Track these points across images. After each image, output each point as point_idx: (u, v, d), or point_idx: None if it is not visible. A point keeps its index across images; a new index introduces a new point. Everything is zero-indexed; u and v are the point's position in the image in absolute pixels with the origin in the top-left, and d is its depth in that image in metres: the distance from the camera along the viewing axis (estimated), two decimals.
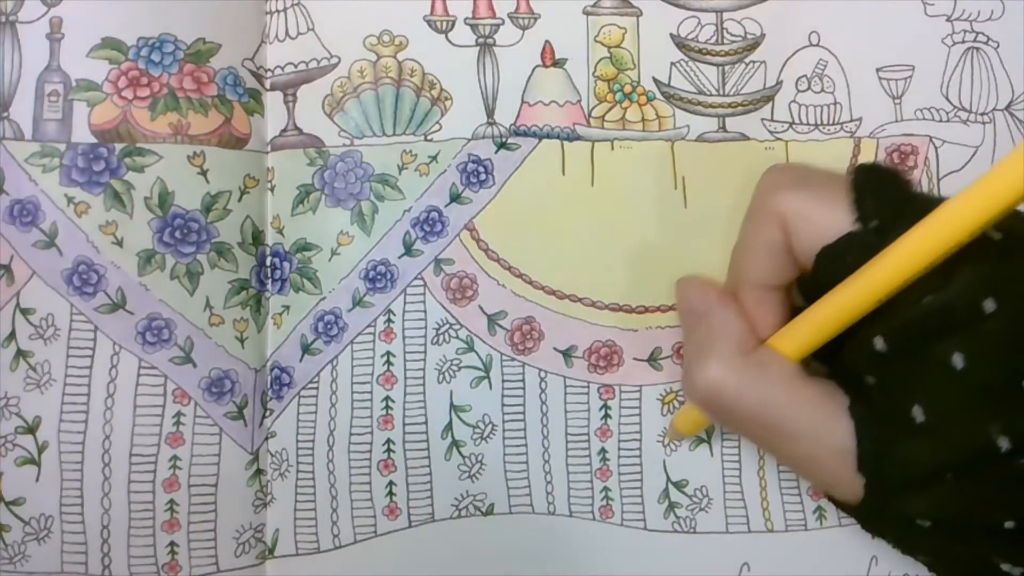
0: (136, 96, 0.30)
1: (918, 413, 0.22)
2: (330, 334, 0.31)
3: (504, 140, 0.32)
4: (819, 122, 0.33)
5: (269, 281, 0.31)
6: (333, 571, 0.30)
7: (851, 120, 0.33)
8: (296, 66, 0.32)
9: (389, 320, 0.31)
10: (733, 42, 0.33)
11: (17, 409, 0.29)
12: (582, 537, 0.31)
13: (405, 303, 0.31)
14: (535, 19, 0.33)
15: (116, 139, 0.30)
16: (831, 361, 0.25)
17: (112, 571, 0.29)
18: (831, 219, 0.23)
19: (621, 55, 0.33)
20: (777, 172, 0.26)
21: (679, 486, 0.31)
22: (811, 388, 0.24)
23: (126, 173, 0.30)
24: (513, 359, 0.32)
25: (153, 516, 0.29)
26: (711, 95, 0.33)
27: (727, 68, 0.33)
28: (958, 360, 0.21)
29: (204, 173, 0.31)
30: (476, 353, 0.31)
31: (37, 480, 0.29)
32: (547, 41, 0.33)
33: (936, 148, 0.33)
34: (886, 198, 0.23)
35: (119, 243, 0.30)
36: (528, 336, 0.32)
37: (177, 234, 0.30)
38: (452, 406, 0.31)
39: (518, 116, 0.32)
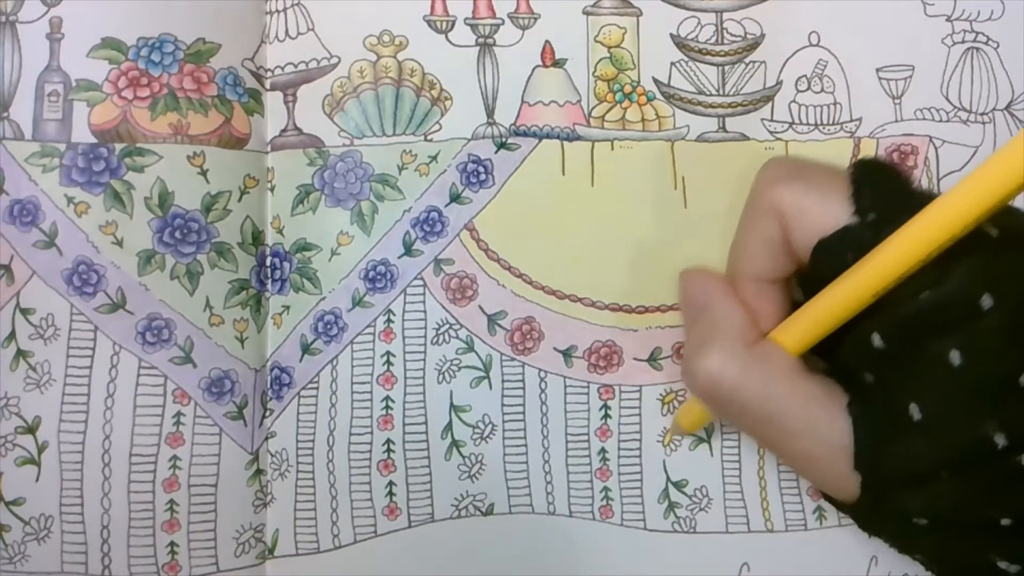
0: (136, 96, 0.30)
1: (915, 410, 0.22)
2: (330, 334, 0.31)
3: (504, 140, 0.32)
4: (819, 122, 0.33)
5: (269, 281, 0.31)
6: (333, 571, 0.30)
7: (851, 120, 0.33)
8: (296, 66, 0.32)
9: (389, 320, 0.31)
10: (733, 42, 0.33)
11: (17, 409, 0.29)
12: (582, 537, 0.31)
13: (405, 303, 0.31)
14: (535, 19, 0.33)
15: (116, 139, 0.30)
16: (831, 356, 0.25)
17: (112, 571, 0.29)
18: (829, 212, 0.23)
19: (621, 55, 0.33)
20: (775, 165, 0.25)
21: (679, 486, 0.31)
22: (810, 384, 0.24)
23: (126, 173, 0.30)
24: (513, 359, 0.32)
25: (153, 516, 0.29)
26: (711, 95, 0.33)
27: (727, 68, 0.33)
28: (955, 357, 0.21)
29: (204, 173, 0.31)
30: (476, 353, 0.31)
31: (37, 480, 0.29)
32: (547, 41, 0.33)
33: (936, 148, 0.33)
34: (884, 192, 0.23)
35: (119, 243, 0.30)
36: (528, 336, 0.32)
37: (177, 234, 0.30)
38: (452, 406, 0.31)
39: (518, 116, 0.32)
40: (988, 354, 0.21)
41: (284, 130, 0.32)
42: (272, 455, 0.31)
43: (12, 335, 0.29)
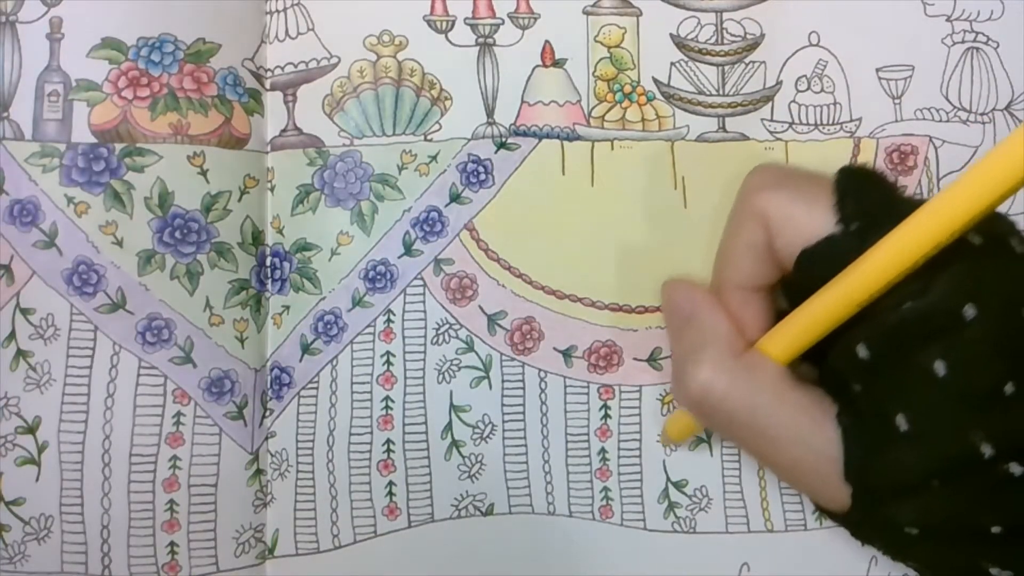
0: (136, 96, 0.30)
1: (902, 421, 0.22)
2: (330, 334, 0.31)
3: (504, 140, 0.32)
4: (819, 122, 0.33)
5: (269, 281, 0.31)
6: (333, 571, 0.30)
7: (851, 120, 0.33)
8: (296, 66, 0.32)
9: (389, 320, 0.31)
10: (733, 42, 0.33)
11: (17, 409, 0.29)
12: (582, 537, 0.31)
13: (405, 303, 0.31)
14: (535, 19, 0.33)
15: (116, 139, 0.30)
16: (821, 364, 0.25)
17: (112, 571, 0.29)
18: (813, 220, 0.23)
19: (621, 55, 0.33)
20: (761, 172, 0.25)
21: (679, 486, 0.31)
22: (798, 394, 0.24)
23: (126, 173, 0.30)
24: (513, 359, 0.32)
25: (153, 516, 0.29)
26: (711, 95, 0.33)
27: (727, 68, 0.33)
28: (940, 367, 0.21)
29: (204, 173, 0.31)
30: (476, 353, 0.31)
31: (37, 480, 0.29)
32: (547, 41, 0.33)
33: (936, 148, 0.33)
34: (868, 200, 0.23)
35: (119, 243, 0.30)
36: (528, 336, 0.32)
37: (177, 234, 0.30)
38: (452, 406, 0.31)
39: (518, 116, 0.32)
40: (973, 364, 0.21)
41: (284, 130, 0.32)
42: (272, 455, 0.31)
43: (12, 335, 0.29)
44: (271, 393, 0.31)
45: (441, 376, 0.31)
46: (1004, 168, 0.19)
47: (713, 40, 0.33)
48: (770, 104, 0.33)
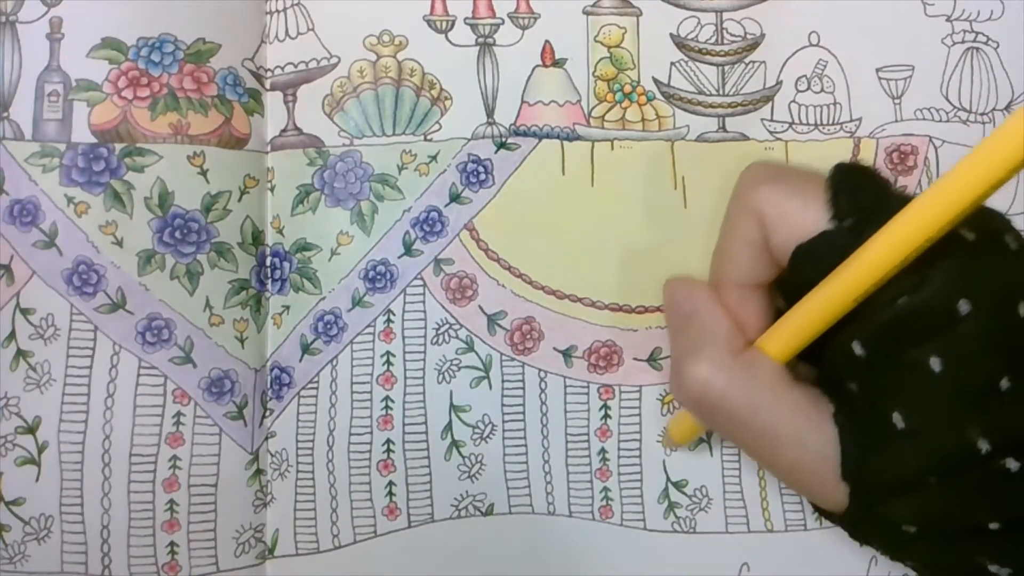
0: (136, 96, 0.30)
1: (899, 419, 0.22)
2: (330, 334, 0.31)
3: (504, 140, 0.32)
4: (819, 122, 0.33)
5: (269, 281, 0.31)
6: (333, 571, 0.30)
7: (851, 120, 0.33)
8: (296, 66, 0.32)
9: (389, 320, 0.31)
10: (733, 42, 0.33)
11: (17, 409, 0.29)
12: (582, 537, 0.31)
13: (405, 303, 0.31)
14: (535, 19, 0.33)
15: (116, 139, 0.30)
16: (819, 363, 0.25)
17: (112, 571, 0.29)
18: (807, 216, 0.23)
19: (621, 55, 0.33)
20: (755, 168, 0.25)
21: (679, 486, 0.31)
22: (796, 393, 0.24)
23: (126, 173, 0.30)
24: (513, 359, 0.32)
25: (153, 516, 0.29)
26: (711, 95, 0.33)
27: (727, 68, 0.33)
28: (935, 363, 0.21)
29: (204, 173, 0.31)
30: (476, 353, 0.31)
31: (37, 480, 0.29)
32: (547, 41, 0.33)
33: (936, 148, 0.33)
34: (862, 196, 0.23)
35: (119, 243, 0.30)
36: (528, 336, 0.32)
37: (177, 234, 0.30)
38: (452, 406, 0.31)
39: (518, 116, 0.32)
40: (967, 360, 0.21)
41: (284, 130, 0.32)
42: (272, 455, 0.31)
43: (12, 335, 0.29)
44: (271, 393, 0.31)
45: (441, 376, 0.31)
46: (994, 157, 0.19)
47: (713, 40, 0.33)
48: (770, 104, 0.33)
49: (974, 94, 0.33)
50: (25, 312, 0.29)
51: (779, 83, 0.33)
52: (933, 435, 0.22)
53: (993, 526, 0.22)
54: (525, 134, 0.32)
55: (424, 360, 0.31)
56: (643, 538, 0.31)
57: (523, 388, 0.31)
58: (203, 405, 0.30)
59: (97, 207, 0.30)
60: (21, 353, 0.29)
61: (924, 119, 0.33)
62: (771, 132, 0.33)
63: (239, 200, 0.31)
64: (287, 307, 0.31)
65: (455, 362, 0.31)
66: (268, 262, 0.31)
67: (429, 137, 0.32)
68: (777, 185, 0.24)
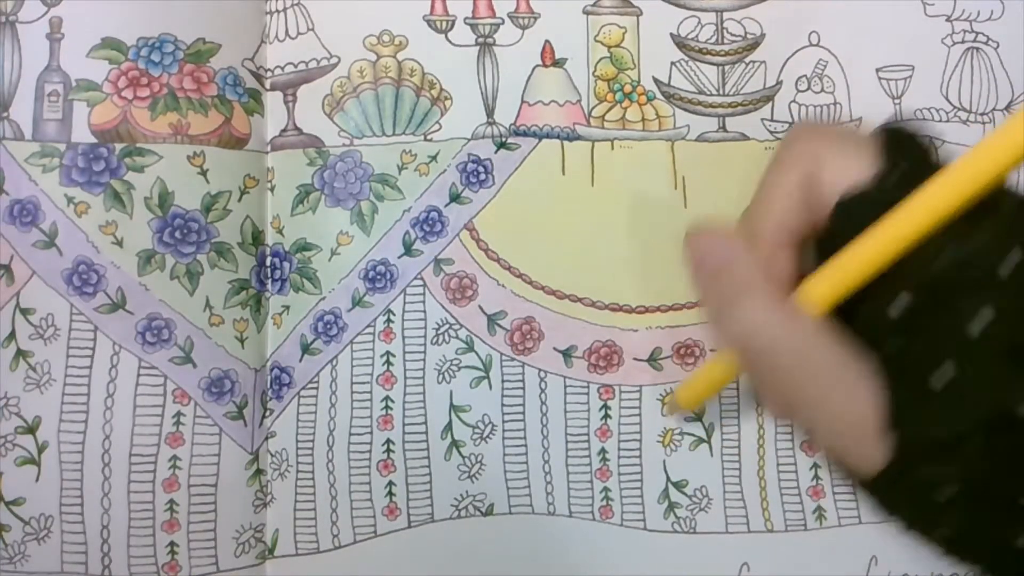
0: (136, 96, 0.30)
1: (941, 376, 0.21)
2: (330, 334, 0.31)
3: (504, 140, 0.32)
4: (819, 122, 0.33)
5: (269, 281, 0.31)
6: (333, 571, 0.30)
7: (851, 120, 0.33)
8: (296, 66, 0.32)
9: (389, 320, 0.31)
10: (733, 42, 0.33)
11: (17, 409, 0.29)
12: (582, 537, 0.31)
13: (405, 303, 0.31)
14: (535, 19, 0.33)
15: (116, 139, 0.30)
16: (849, 323, 0.25)
17: (112, 571, 0.29)
18: (855, 166, 0.23)
19: (621, 55, 0.33)
20: (806, 124, 0.26)
21: (679, 486, 0.31)
22: (840, 347, 0.23)
23: (126, 173, 0.30)
24: (513, 359, 0.32)
25: (153, 516, 0.29)
26: (711, 95, 0.33)
27: (727, 68, 0.33)
28: (980, 320, 0.21)
29: (204, 173, 0.31)
30: (476, 353, 0.31)
31: (37, 480, 0.29)
32: (547, 41, 0.33)
33: (936, 148, 0.33)
34: (909, 153, 0.23)
35: (119, 243, 0.30)
36: (528, 336, 0.32)
37: (177, 234, 0.30)
38: (452, 406, 0.31)
39: (518, 116, 0.32)
40: (1015, 316, 0.21)
41: (284, 130, 0.32)
42: (272, 455, 0.31)
43: (12, 335, 0.29)
44: (271, 393, 0.31)
45: (441, 376, 0.31)
46: None
47: (713, 40, 0.33)
48: (770, 104, 0.33)
49: (974, 94, 0.33)
50: (25, 312, 0.29)
51: (779, 83, 0.33)
52: (976, 393, 0.21)
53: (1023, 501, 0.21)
54: (525, 134, 0.32)
55: (424, 360, 0.31)
56: (643, 538, 0.31)
57: (523, 388, 0.31)
58: (203, 405, 0.30)
59: (97, 207, 0.30)
60: (21, 353, 0.29)
61: (924, 119, 0.33)
62: (771, 132, 0.33)
63: (239, 200, 0.31)
64: (287, 307, 0.31)
65: (455, 362, 0.31)
66: (268, 262, 0.31)
67: (429, 137, 0.32)
68: (828, 139, 0.24)
